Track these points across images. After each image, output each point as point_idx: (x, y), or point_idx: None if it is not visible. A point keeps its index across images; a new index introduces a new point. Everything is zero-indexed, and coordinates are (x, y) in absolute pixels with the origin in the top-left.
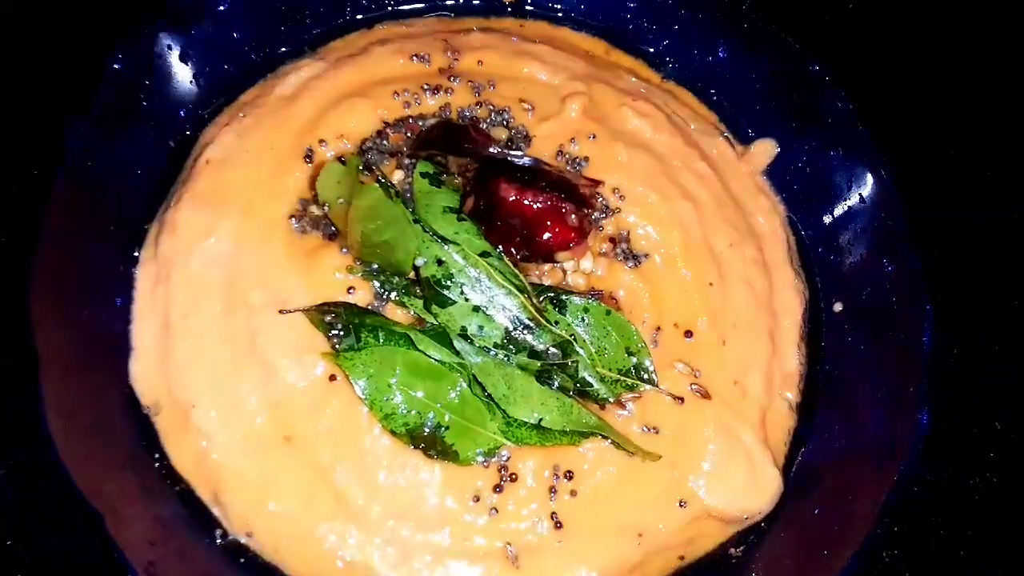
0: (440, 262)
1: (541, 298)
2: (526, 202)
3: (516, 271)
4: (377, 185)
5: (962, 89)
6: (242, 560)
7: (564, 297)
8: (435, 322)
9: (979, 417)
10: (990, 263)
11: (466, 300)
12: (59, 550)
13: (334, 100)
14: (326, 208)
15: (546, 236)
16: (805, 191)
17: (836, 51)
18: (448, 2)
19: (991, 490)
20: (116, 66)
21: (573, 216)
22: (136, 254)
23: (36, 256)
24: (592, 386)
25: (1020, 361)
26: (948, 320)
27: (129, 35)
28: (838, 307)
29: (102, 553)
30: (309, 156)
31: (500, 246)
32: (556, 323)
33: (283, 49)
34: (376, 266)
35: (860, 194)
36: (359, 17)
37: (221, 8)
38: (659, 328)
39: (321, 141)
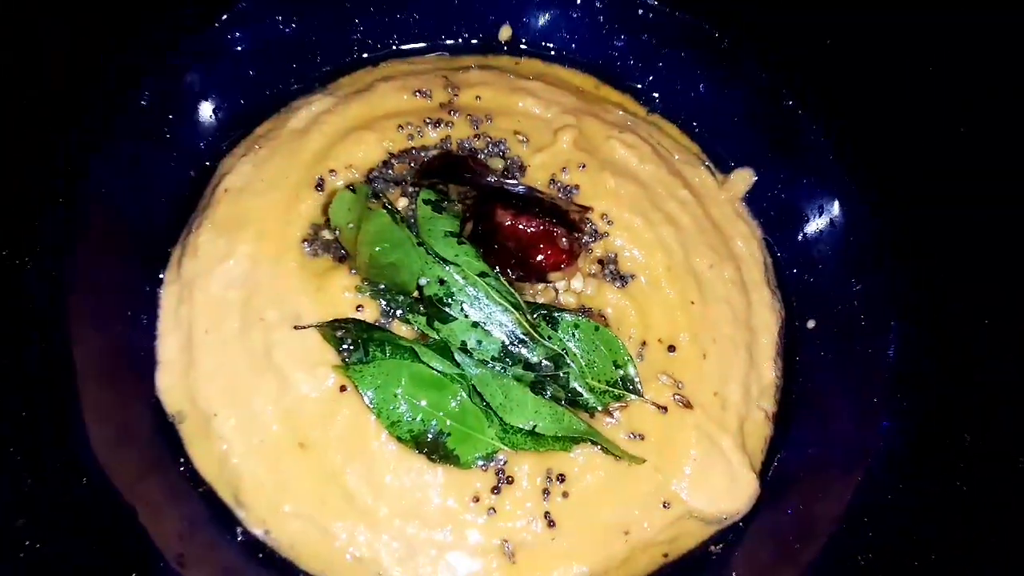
0: (442, 282)
1: (535, 315)
2: (520, 226)
3: (512, 290)
4: (384, 211)
5: (953, 85)
6: (260, 555)
7: (556, 314)
8: (437, 337)
9: (956, 424)
10: (980, 266)
11: (466, 317)
12: (95, 546)
13: (343, 133)
14: (337, 232)
15: (539, 258)
16: (780, 216)
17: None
18: (448, 41)
19: (964, 496)
20: (143, 102)
21: (564, 239)
22: (160, 276)
23: (72, 279)
24: (582, 396)
25: (998, 368)
26: (930, 325)
27: (154, 73)
28: (811, 324)
29: (136, 548)
30: (320, 185)
31: (497, 267)
32: (549, 338)
33: (295, 85)
34: (383, 286)
35: (830, 219)
36: (365, 55)
37: (238, 48)
38: (644, 343)
39: (331, 171)
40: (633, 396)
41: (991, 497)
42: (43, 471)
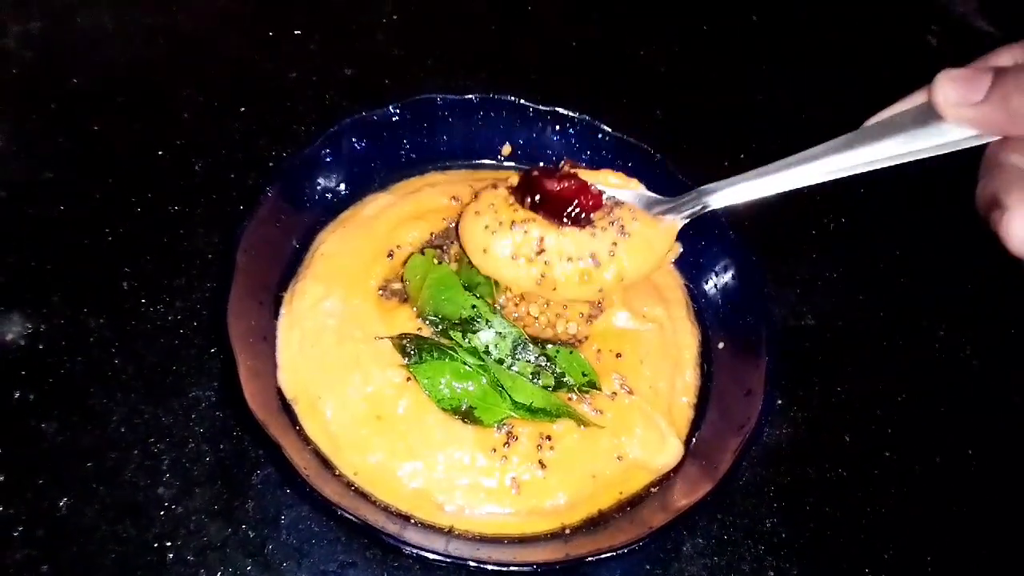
0: (473, 307)
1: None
2: (563, 187)
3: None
4: (445, 266)
5: None
6: (352, 488)
7: (546, 344)
8: (469, 345)
9: (807, 399)
10: (823, 306)
11: (489, 328)
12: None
13: (401, 220)
14: (406, 283)
15: (578, 205)
16: (699, 272)
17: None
18: (469, 161)
19: (807, 438)
20: (269, 194)
21: (591, 193)
22: (278, 310)
23: (229, 309)
24: (562, 386)
25: (834, 368)
26: (789, 343)
27: (279, 180)
28: (720, 345)
29: (279, 471)
30: (391, 254)
31: (556, 219)
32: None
33: (366, 187)
34: (436, 316)
35: (731, 275)
36: (411, 167)
37: (328, 160)
38: (599, 350)
39: (398, 246)
40: (594, 390)
41: (828, 435)
42: (227, 420)
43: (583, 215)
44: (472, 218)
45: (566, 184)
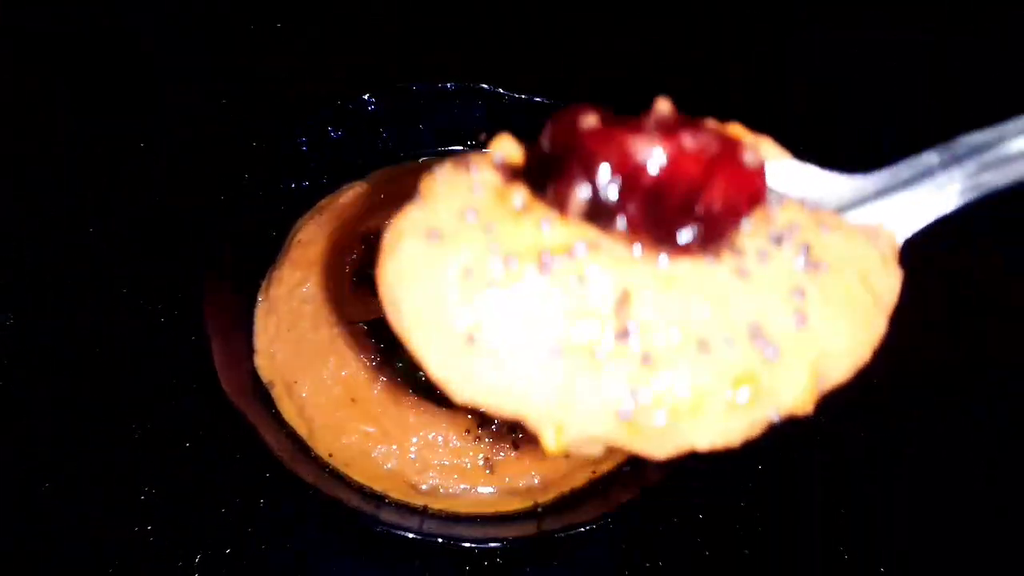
0: None
1: None
2: (675, 154)
3: None
4: None
5: None
6: (327, 470)
7: None
8: None
9: None
10: None
11: None
12: (236, 445)
13: (377, 208)
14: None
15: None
16: None
17: None
18: (446, 148)
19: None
20: (247, 182)
21: (746, 167)
22: (256, 297)
23: (206, 296)
24: None
25: None
26: None
27: (257, 169)
28: None
29: (255, 454)
30: (366, 241)
31: (659, 237)
32: None
33: (343, 175)
34: None
35: None
36: (390, 157)
37: (304, 149)
38: None
39: (373, 234)
40: None
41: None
42: (202, 405)
43: (729, 226)
44: (417, 248)
45: (680, 146)
